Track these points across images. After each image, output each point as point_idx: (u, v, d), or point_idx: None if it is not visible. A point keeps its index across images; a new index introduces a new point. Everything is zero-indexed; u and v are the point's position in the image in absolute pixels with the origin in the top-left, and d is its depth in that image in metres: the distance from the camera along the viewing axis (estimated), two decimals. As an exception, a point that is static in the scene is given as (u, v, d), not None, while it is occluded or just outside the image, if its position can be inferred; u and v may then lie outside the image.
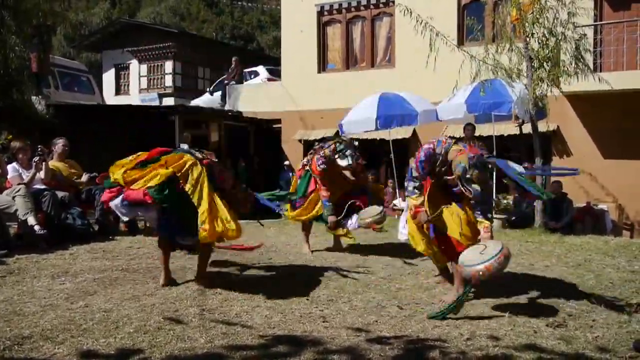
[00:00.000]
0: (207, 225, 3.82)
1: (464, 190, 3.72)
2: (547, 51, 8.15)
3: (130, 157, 4.17)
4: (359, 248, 6.31)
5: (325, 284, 4.44)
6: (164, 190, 3.88)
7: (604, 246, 6.53)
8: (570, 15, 8.08)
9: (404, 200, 11.14)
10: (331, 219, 5.71)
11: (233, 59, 16.57)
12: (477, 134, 10.16)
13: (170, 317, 3.47)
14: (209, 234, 3.83)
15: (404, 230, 5.35)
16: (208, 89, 18.76)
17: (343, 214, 5.77)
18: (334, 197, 5.81)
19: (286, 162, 13.91)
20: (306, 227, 6.16)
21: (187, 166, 4.00)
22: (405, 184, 4.26)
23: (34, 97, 11.87)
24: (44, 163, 6.20)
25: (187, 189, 3.94)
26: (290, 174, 13.69)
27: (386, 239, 7.02)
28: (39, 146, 6.26)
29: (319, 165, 5.75)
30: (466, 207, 3.97)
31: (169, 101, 20.15)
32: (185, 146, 4.53)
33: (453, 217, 3.94)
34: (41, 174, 6.18)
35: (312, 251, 6.02)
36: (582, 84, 8.55)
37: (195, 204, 3.90)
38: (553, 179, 10.77)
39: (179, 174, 3.96)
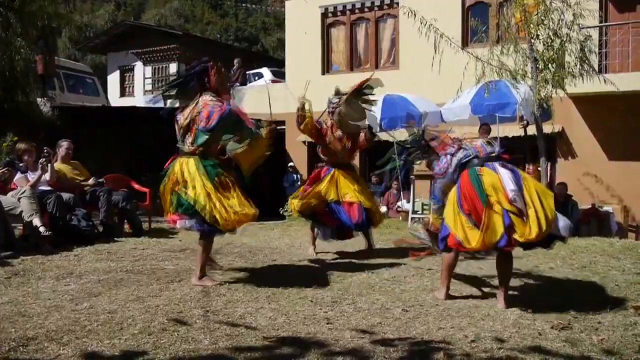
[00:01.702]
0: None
1: None
2: (552, 52, 8.13)
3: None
4: (364, 250, 6.30)
5: (330, 286, 4.43)
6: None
7: (609, 248, 6.50)
8: (576, 17, 8.06)
9: (408, 202, 11.14)
10: None
11: (235, 60, 16.60)
12: (481, 135, 10.15)
13: (174, 318, 3.48)
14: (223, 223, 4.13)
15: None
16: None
17: None
18: None
19: (290, 164, 13.92)
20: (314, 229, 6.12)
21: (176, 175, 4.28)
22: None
23: (39, 99, 11.92)
24: (49, 164, 6.22)
25: (185, 192, 4.20)
26: (295, 175, 13.70)
27: (391, 241, 7.01)
28: (45, 147, 6.29)
29: None
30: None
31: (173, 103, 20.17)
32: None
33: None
34: (47, 176, 6.20)
35: (317, 253, 6.01)
36: (587, 86, 8.53)
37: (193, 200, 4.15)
38: (558, 180, 10.76)
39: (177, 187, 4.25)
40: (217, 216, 4.12)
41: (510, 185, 3.76)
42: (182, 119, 4.42)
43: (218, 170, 4.31)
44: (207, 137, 4.24)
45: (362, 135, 6.09)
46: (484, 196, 3.75)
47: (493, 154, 4.04)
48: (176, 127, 4.48)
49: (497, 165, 3.93)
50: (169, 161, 4.52)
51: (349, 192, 5.80)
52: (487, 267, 5.29)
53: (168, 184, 4.35)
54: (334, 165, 5.96)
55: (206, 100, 4.31)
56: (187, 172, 4.27)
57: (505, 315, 3.64)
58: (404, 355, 2.93)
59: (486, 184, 3.80)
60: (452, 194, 3.98)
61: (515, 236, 3.66)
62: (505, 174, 3.85)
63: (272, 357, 2.90)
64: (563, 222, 3.82)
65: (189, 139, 4.36)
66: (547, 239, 3.82)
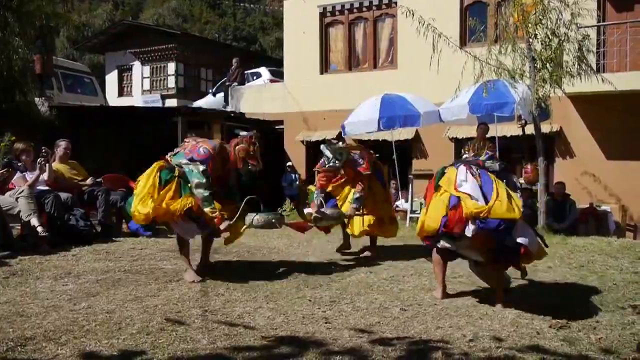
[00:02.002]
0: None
1: None
2: (550, 52, 8.14)
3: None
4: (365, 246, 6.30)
5: (328, 285, 4.43)
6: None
7: (607, 247, 6.51)
8: (573, 16, 8.07)
9: (406, 201, 11.15)
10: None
11: (233, 60, 16.57)
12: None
13: (172, 318, 3.48)
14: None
15: None
16: (210, 90, 18.78)
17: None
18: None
19: (289, 163, 13.92)
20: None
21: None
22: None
23: (37, 99, 11.90)
24: (47, 164, 6.21)
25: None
26: (293, 175, 13.71)
27: (389, 241, 7.01)
28: (43, 147, 6.28)
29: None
30: None
31: (171, 102, 20.21)
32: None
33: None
34: (44, 175, 6.19)
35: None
36: (585, 85, 8.54)
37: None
38: (556, 179, 10.78)
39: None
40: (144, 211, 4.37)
41: (461, 176, 3.87)
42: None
43: (172, 175, 4.50)
44: (179, 161, 4.51)
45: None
46: (436, 185, 3.98)
47: (469, 159, 4.20)
48: None
49: (461, 164, 4.05)
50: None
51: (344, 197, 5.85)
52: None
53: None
54: None
55: (209, 143, 4.62)
56: (145, 174, 4.54)
57: (503, 315, 3.65)
58: (402, 354, 2.93)
59: (444, 177, 3.99)
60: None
61: (466, 211, 3.66)
62: (463, 169, 3.94)
63: (271, 356, 2.90)
64: (530, 237, 3.80)
65: (174, 152, 4.68)
66: (513, 249, 3.77)
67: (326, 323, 3.44)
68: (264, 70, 18.42)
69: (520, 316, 3.61)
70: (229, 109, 15.49)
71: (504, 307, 3.79)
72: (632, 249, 6.39)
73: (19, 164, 6.21)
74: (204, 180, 4.38)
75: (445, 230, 3.77)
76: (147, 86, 21.91)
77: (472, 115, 9.80)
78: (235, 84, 16.13)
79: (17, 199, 5.71)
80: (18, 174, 6.12)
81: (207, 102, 17.45)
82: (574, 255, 5.97)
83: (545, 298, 4.07)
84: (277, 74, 17.37)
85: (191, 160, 4.43)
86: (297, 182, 13.41)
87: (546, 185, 8.96)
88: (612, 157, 10.97)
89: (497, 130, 10.27)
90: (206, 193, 4.37)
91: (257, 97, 15.49)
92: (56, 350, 2.90)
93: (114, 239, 6.40)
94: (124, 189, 7.20)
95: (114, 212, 6.95)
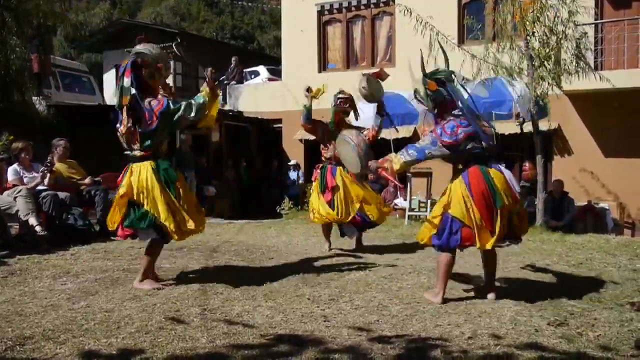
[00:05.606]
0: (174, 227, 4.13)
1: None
2: (548, 50, 8.15)
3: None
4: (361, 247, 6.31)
5: (327, 284, 4.44)
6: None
7: (605, 245, 6.52)
8: (571, 14, 8.08)
9: (405, 199, 11.15)
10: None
11: (232, 58, 16.57)
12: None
13: (171, 317, 3.48)
14: (177, 236, 4.20)
15: None
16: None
17: None
18: None
19: (293, 161, 13.92)
20: (326, 227, 6.16)
21: (133, 180, 4.14)
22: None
23: (34, 98, 11.88)
24: (49, 174, 6.20)
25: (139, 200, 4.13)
26: (297, 172, 13.72)
27: (387, 239, 7.02)
28: (48, 158, 6.29)
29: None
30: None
31: (169, 101, 20.18)
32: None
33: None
34: (45, 181, 6.19)
35: (332, 249, 6.09)
36: (583, 83, 8.55)
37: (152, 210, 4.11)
38: (554, 177, 10.80)
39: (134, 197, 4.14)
40: (173, 229, 4.13)
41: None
42: (122, 127, 4.24)
43: (172, 174, 4.19)
44: (151, 139, 4.15)
45: (371, 131, 6.08)
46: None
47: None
48: (119, 136, 4.33)
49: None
50: (123, 171, 4.34)
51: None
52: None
53: (123, 196, 4.20)
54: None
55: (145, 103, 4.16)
56: (144, 181, 4.12)
57: (501, 312, 3.65)
58: (401, 352, 2.94)
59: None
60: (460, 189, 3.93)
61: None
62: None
63: (270, 355, 2.90)
64: None
65: (135, 144, 4.22)
66: None
67: (325, 321, 3.44)
68: (262, 69, 18.43)
69: (518, 314, 3.62)
70: (227, 107, 15.48)
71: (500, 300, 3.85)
72: (630, 246, 6.41)
73: (4, 156, 6.20)
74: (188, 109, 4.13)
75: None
76: (145, 85, 21.89)
77: (471, 113, 9.80)
78: (234, 82, 16.12)
79: (15, 198, 5.71)
80: (13, 173, 6.11)
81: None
82: (572, 253, 5.98)
83: (543, 296, 4.08)
84: (275, 73, 17.37)
85: (161, 117, 4.09)
86: (300, 181, 13.41)
87: (544, 183, 8.97)
88: (610, 154, 10.99)
89: (495, 128, 10.27)
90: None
91: (255, 95, 15.48)
92: (55, 350, 2.90)
93: (112, 237, 6.37)
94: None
95: (112, 211, 6.94)
